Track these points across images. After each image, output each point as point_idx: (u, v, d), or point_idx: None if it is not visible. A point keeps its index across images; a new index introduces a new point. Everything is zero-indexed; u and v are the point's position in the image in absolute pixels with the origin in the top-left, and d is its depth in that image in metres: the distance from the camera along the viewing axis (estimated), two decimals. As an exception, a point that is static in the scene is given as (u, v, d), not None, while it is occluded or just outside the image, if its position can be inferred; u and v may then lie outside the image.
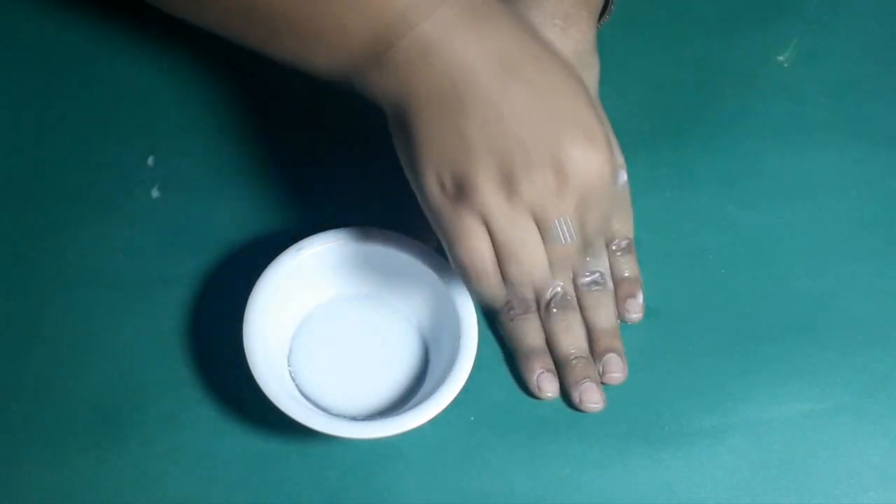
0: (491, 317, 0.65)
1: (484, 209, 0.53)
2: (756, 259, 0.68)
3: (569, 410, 0.63)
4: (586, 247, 0.56)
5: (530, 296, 0.63)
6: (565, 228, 0.53)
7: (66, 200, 0.67)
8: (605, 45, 0.67)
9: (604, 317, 0.64)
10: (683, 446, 0.62)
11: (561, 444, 0.62)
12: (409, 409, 0.57)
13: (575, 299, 0.64)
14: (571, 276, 0.64)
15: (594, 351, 0.64)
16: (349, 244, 0.61)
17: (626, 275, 0.65)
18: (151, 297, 0.64)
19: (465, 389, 0.61)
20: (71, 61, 0.71)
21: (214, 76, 0.71)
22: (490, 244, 0.54)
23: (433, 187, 0.54)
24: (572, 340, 0.63)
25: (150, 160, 0.68)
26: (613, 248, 0.66)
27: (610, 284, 0.65)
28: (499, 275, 0.54)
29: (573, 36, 0.64)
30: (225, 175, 0.68)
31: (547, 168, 0.52)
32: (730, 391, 0.64)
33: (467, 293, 0.60)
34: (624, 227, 0.66)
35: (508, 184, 0.52)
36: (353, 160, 0.69)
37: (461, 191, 0.53)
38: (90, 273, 0.65)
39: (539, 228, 0.54)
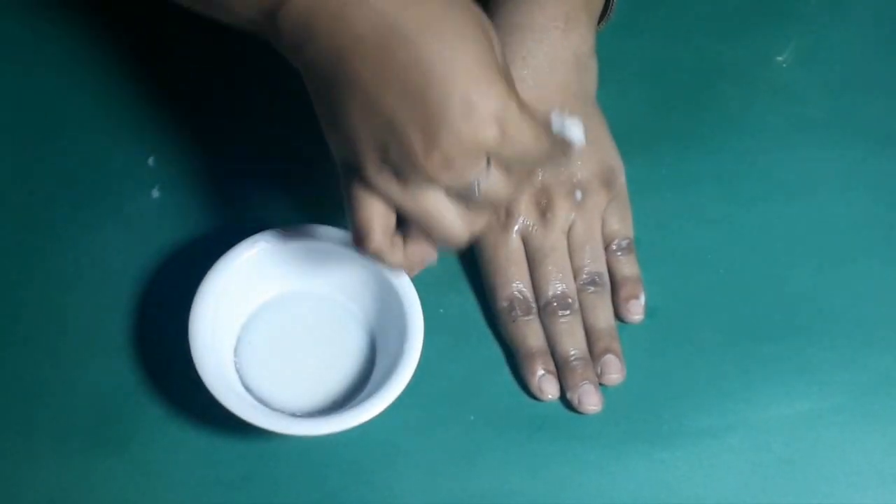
0: (493, 318, 0.65)
1: (381, 191, 0.51)
2: (756, 259, 0.68)
3: (568, 410, 0.63)
4: (521, 182, 0.52)
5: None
6: (476, 184, 0.50)
7: (67, 201, 0.67)
8: (605, 46, 0.67)
9: (602, 317, 0.64)
10: (683, 446, 0.62)
11: (561, 444, 0.62)
12: (351, 407, 0.57)
13: (576, 301, 0.64)
14: (572, 276, 0.64)
15: (592, 352, 0.63)
16: (297, 241, 0.61)
17: (627, 275, 0.65)
18: (152, 297, 0.64)
19: (466, 389, 0.62)
20: (71, 62, 0.71)
21: (216, 76, 0.71)
22: (384, 210, 0.51)
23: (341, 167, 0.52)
24: (573, 342, 0.63)
25: (151, 160, 0.68)
26: (614, 247, 0.66)
27: (608, 285, 0.65)
28: (387, 243, 0.52)
29: (573, 39, 0.64)
30: (226, 175, 0.68)
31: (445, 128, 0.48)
32: (729, 391, 0.64)
33: (414, 291, 0.59)
34: (623, 227, 0.66)
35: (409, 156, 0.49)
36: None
37: (354, 170, 0.51)
38: (90, 273, 0.65)
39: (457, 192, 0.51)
